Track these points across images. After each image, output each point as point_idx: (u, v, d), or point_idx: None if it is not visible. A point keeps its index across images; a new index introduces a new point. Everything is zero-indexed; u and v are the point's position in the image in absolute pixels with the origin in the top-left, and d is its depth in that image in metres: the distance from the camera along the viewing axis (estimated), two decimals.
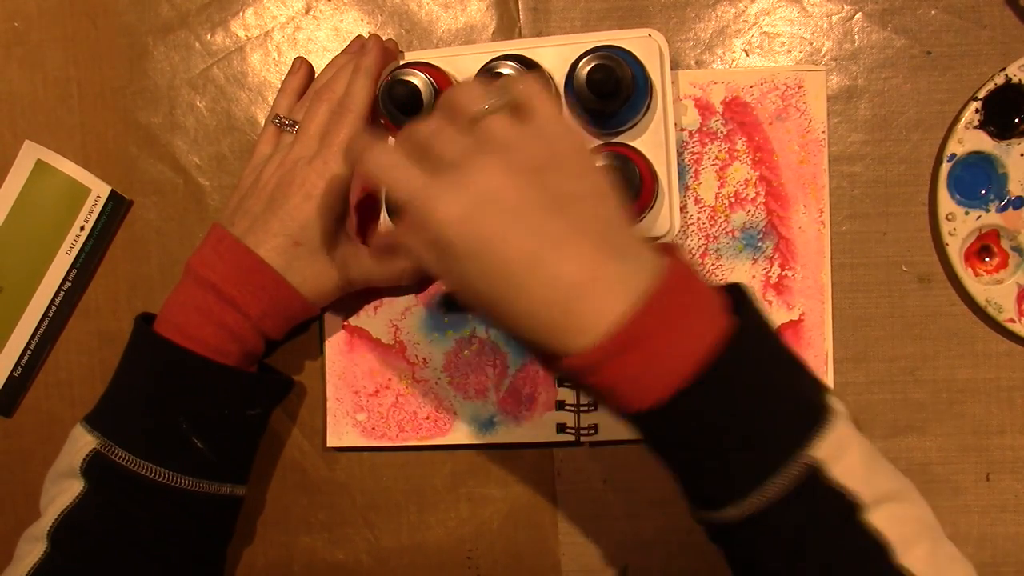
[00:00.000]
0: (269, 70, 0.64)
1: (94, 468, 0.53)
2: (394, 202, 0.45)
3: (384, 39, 0.60)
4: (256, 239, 0.55)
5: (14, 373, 0.64)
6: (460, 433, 0.62)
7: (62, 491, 0.53)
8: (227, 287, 0.54)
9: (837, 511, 0.41)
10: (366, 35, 0.63)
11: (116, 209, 0.64)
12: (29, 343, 0.64)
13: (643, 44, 0.58)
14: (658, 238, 0.59)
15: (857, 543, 0.41)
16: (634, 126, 0.58)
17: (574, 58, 0.56)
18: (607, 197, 0.43)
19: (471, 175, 0.40)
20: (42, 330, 0.64)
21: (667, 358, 0.40)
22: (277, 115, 0.59)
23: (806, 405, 0.42)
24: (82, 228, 0.63)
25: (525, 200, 0.40)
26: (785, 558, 0.42)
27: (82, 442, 0.53)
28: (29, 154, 0.63)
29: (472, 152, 0.41)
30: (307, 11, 0.64)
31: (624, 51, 0.56)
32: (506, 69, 0.54)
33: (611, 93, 0.54)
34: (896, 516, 0.42)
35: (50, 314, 0.64)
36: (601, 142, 0.58)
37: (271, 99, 0.63)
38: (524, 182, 0.41)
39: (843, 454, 0.42)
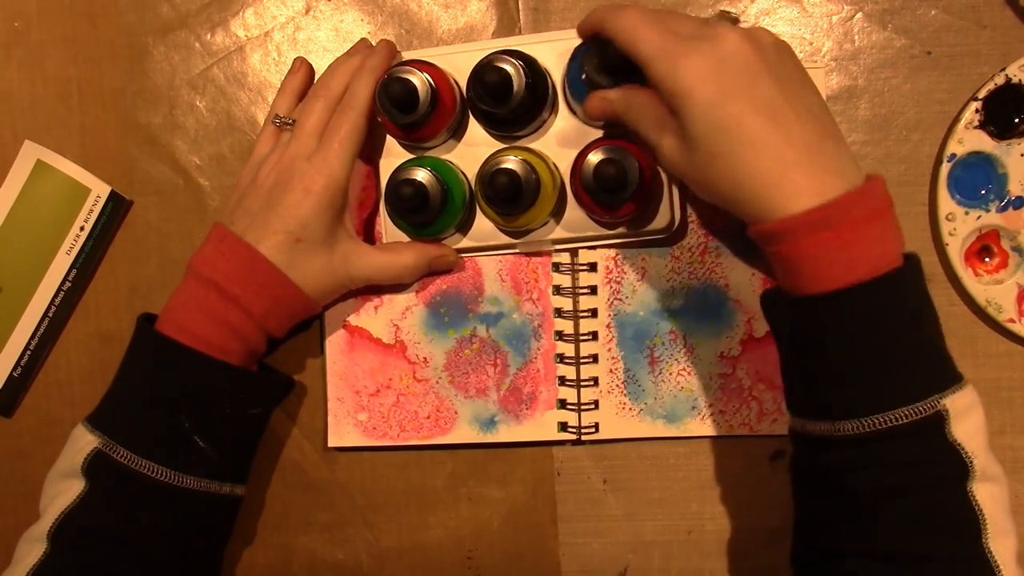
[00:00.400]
0: (269, 70, 0.64)
1: (95, 467, 0.53)
2: (640, 57, 0.47)
3: (384, 42, 0.60)
4: (256, 236, 0.55)
5: (14, 373, 0.64)
6: (461, 432, 0.62)
7: (62, 491, 0.53)
8: (229, 285, 0.54)
9: (949, 466, 0.44)
10: (367, 36, 0.63)
11: (116, 209, 0.64)
12: (29, 343, 0.64)
13: None
14: (659, 232, 0.59)
15: (957, 506, 0.43)
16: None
17: (571, 53, 0.56)
18: (823, 101, 0.48)
19: (717, 39, 0.45)
20: (42, 330, 0.64)
21: (857, 250, 0.44)
22: (277, 115, 0.59)
23: (946, 360, 0.46)
24: (82, 228, 0.63)
25: (765, 68, 0.45)
26: (881, 490, 0.44)
27: (83, 442, 0.53)
28: (29, 154, 0.63)
29: (712, 25, 0.47)
30: (307, 11, 0.64)
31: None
32: (505, 65, 0.54)
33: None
34: (996, 498, 0.44)
35: (50, 314, 0.64)
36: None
37: (271, 99, 0.63)
38: (763, 55, 0.45)
39: (967, 417, 0.44)
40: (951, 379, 0.45)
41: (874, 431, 0.43)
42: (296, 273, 0.55)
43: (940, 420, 0.44)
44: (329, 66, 0.60)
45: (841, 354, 0.45)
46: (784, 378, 0.52)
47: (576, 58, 0.56)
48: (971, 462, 0.44)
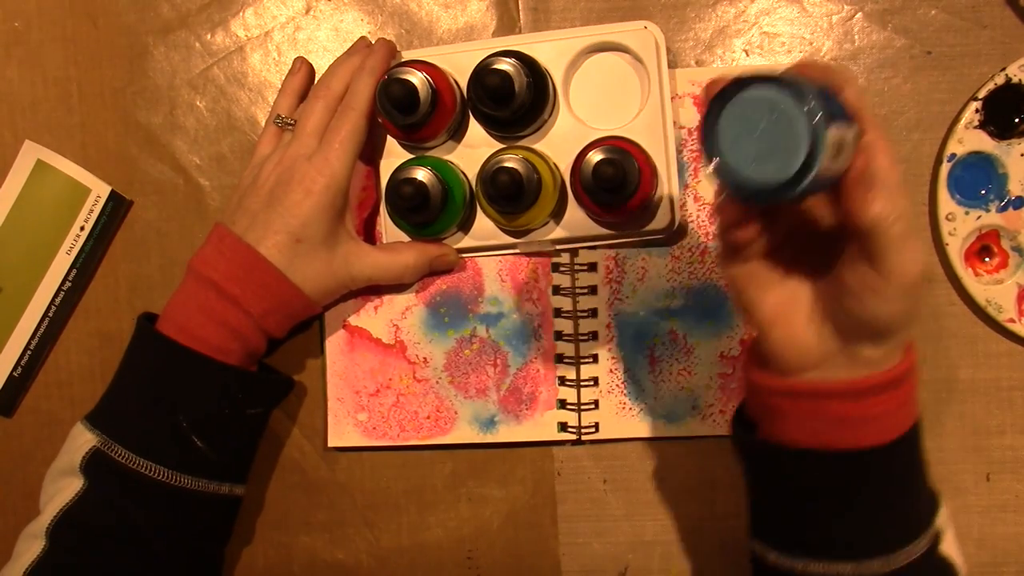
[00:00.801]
0: (269, 70, 0.64)
1: (94, 466, 0.53)
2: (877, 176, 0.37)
3: (383, 41, 0.60)
4: (256, 236, 0.55)
5: (14, 373, 0.64)
6: (461, 432, 0.62)
7: (61, 488, 0.53)
8: (229, 285, 0.54)
9: None
10: (367, 36, 0.63)
11: (116, 209, 0.64)
12: (29, 343, 0.64)
13: (640, 37, 0.58)
14: (659, 232, 0.59)
15: None
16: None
17: (571, 53, 0.56)
18: None
19: None
20: (42, 330, 0.64)
21: (912, 402, 0.44)
22: (278, 115, 0.59)
23: (932, 486, 0.48)
24: (82, 228, 0.63)
25: None
26: None
27: (82, 440, 0.53)
28: (29, 154, 0.63)
29: None
30: (307, 11, 0.64)
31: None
32: (504, 64, 0.54)
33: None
34: None
35: (50, 314, 0.64)
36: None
37: (271, 99, 0.63)
38: None
39: (948, 529, 0.48)
40: (937, 498, 0.48)
41: (900, 567, 0.45)
42: (296, 273, 0.55)
43: (937, 538, 0.47)
44: (329, 66, 0.60)
45: (877, 498, 0.45)
46: (767, 516, 0.49)
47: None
48: (958, 569, 0.47)
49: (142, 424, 0.54)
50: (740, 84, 0.35)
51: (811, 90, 0.34)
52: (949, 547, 0.47)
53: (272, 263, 0.54)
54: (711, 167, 0.36)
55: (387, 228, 0.61)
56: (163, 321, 0.56)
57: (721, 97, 0.35)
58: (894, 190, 0.38)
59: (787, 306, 0.44)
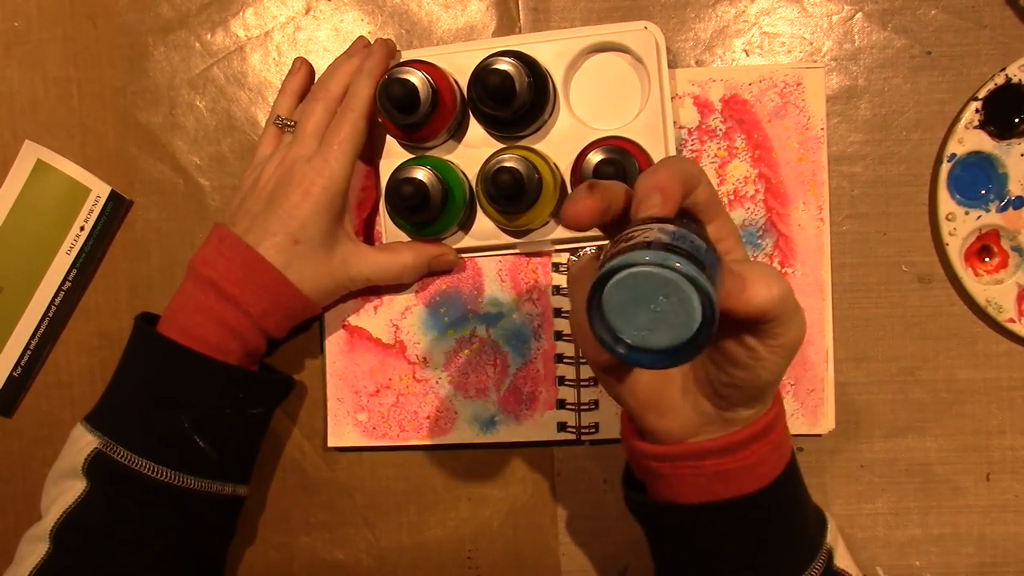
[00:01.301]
0: (269, 70, 0.64)
1: (96, 467, 0.53)
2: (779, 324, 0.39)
3: (382, 41, 0.60)
4: (256, 237, 0.55)
5: (14, 373, 0.64)
6: (461, 432, 0.62)
7: (64, 491, 0.53)
8: (228, 285, 0.54)
9: None
10: (367, 36, 0.63)
11: (116, 209, 0.64)
12: (29, 343, 0.64)
13: (640, 37, 0.58)
14: None
15: None
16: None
17: (571, 53, 0.56)
18: None
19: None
20: (42, 330, 0.64)
21: (785, 445, 0.46)
22: (278, 116, 0.59)
23: (816, 508, 0.50)
24: (82, 228, 0.63)
25: None
26: None
27: (83, 442, 0.53)
28: (29, 154, 0.63)
29: None
30: (307, 11, 0.64)
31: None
32: (505, 64, 0.54)
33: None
34: None
35: (50, 314, 0.64)
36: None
37: (271, 99, 0.63)
38: None
39: (838, 543, 0.50)
40: (823, 517, 0.50)
41: None
42: (295, 274, 0.55)
43: (830, 555, 0.48)
44: (328, 67, 0.60)
45: (769, 535, 0.46)
46: (670, 569, 0.50)
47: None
48: None
49: (143, 425, 0.54)
50: (619, 262, 0.33)
51: (684, 245, 0.33)
52: (842, 560, 0.49)
53: (271, 264, 0.54)
54: (601, 341, 0.35)
55: (387, 228, 0.61)
56: (163, 322, 0.56)
57: (605, 277, 0.33)
58: (761, 270, 0.37)
59: (658, 389, 0.43)
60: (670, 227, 0.35)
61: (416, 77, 0.55)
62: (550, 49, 0.58)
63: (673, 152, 0.58)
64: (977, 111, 0.59)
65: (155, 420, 0.54)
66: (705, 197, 0.40)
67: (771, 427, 0.43)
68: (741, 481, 0.44)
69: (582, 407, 0.61)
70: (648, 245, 0.33)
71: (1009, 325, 0.59)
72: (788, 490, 0.46)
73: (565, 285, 0.61)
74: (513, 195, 0.55)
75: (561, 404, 0.61)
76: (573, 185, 0.57)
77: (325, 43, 0.64)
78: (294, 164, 0.56)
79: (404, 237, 0.61)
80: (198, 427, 0.54)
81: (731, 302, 0.37)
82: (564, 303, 0.61)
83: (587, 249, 0.61)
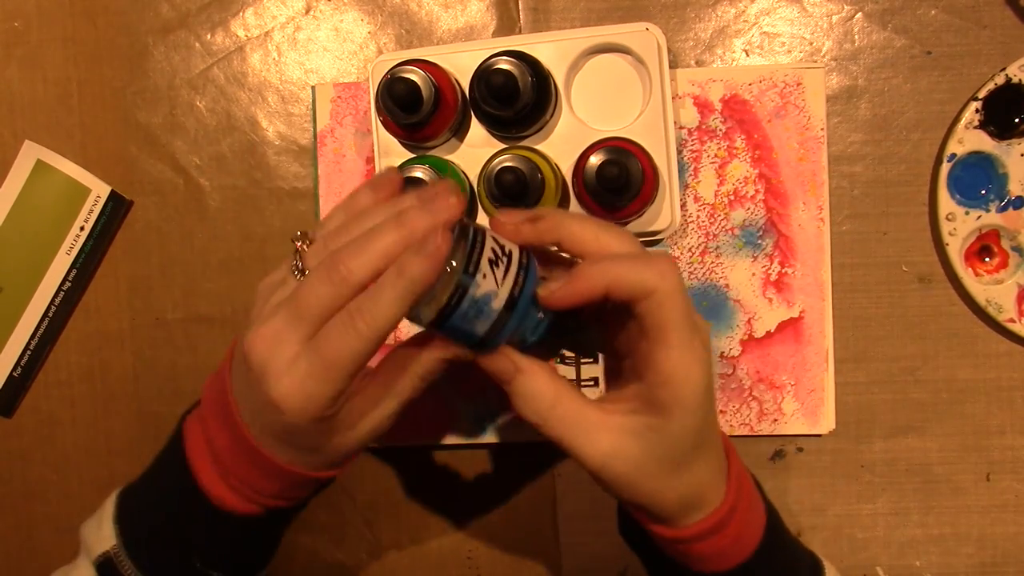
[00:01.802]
0: (269, 70, 0.64)
1: (105, 570, 0.49)
2: (664, 330, 0.40)
3: (453, 196, 0.42)
4: (248, 413, 0.45)
5: (14, 373, 0.64)
6: (461, 432, 0.62)
7: (78, 569, 0.49)
8: (230, 462, 0.46)
9: None
10: (367, 37, 0.63)
11: (116, 209, 0.64)
12: (29, 343, 0.64)
13: (641, 38, 0.58)
14: (659, 232, 0.59)
15: None
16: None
17: (572, 54, 0.56)
18: None
19: (702, 330, 0.42)
20: (42, 330, 0.64)
21: (756, 516, 0.46)
22: (302, 233, 0.46)
23: (810, 557, 0.50)
24: (82, 228, 0.63)
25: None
26: None
27: (105, 530, 0.49)
28: (29, 154, 0.63)
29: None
30: (307, 11, 0.64)
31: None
32: (507, 64, 0.54)
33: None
34: None
35: (50, 314, 0.64)
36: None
37: (271, 99, 0.63)
38: None
39: None
40: (817, 561, 0.49)
41: None
42: (290, 456, 0.45)
43: None
44: (365, 208, 0.44)
45: None
46: None
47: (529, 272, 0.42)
48: None
49: (156, 546, 0.49)
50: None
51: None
52: None
53: (266, 452, 0.45)
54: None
55: None
56: (191, 442, 0.48)
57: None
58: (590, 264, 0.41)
59: (633, 477, 0.44)
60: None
61: (418, 76, 0.55)
62: (551, 49, 0.58)
63: (674, 154, 0.58)
64: (977, 111, 0.59)
65: (168, 547, 0.49)
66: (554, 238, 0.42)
67: (726, 520, 0.44)
68: (724, 559, 0.45)
69: None
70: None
71: (1009, 325, 0.59)
72: (774, 551, 0.46)
73: None
74: (516, 195, 0.55)
75: None
76: (575, 186, 0.57)
77: (325, 43, 0.64)
78: (273, 350, 0.42)
79: None
80: (210, 563, 0.49)
81: (637, 349, 0.41)
82: None
83: None
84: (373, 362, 0.43)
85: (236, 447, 0.45)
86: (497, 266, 0.40)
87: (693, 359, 0.40)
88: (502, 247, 0.41)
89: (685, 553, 0.45)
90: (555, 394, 0.42)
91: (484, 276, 0.39)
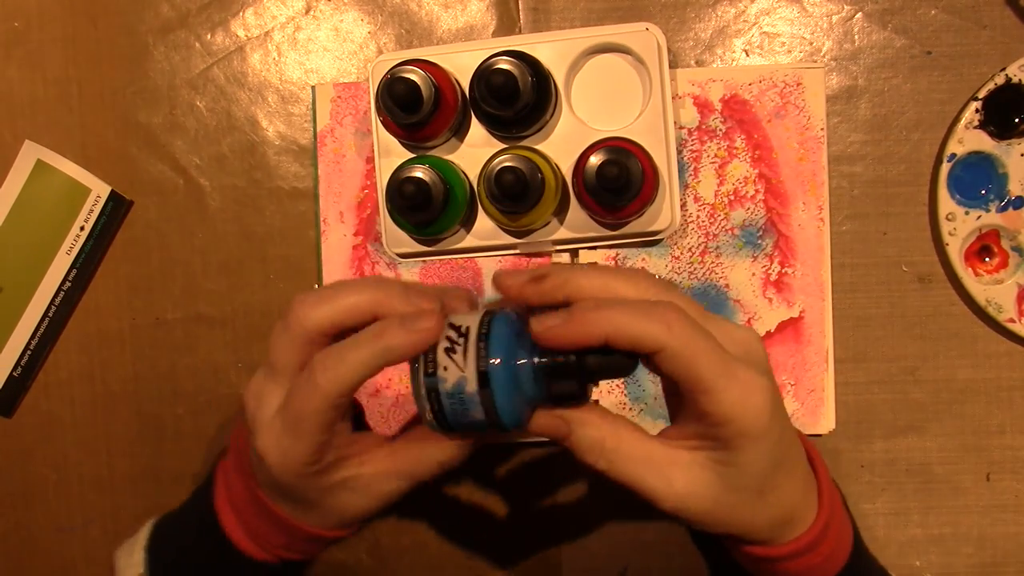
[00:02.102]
0: (269, 70, 0.64)
1: None
2: (695, 379, 0.38)
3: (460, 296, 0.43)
4: (261, 477, 0.45)
5: (14, 373, 0.64)
6: None
7: None
8: (244, 510, 0.47)
9: None
10: (367, 37, 0.63)
11: (116, 209, 0.64)
12: (29, 343, 0.64)
13: (641, 38, 0.58)
14: (659, 232, 0.59)
15: None
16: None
17: (572, 54, 0.56)
18: None
19: (759, 361, 0.40)
20: (42, 330, 0.64)
21: (846, 536, 0.46)
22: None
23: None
24: (82, 228, 0.63)
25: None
26: None
27: (136, 556, 0.49)
28: (29, 154, 0.63)
29: (740, 329, 0.41)
30: (307, 11, 0.64)
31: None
32: (508, 64, 0.54)
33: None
34: None
35: (50, 314, 0.64)
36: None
37: (271, 99, 0.63)
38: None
39: None
40: None
41: None
42: (291, 510, 0.45)
43: None
44: (346, 284, 0.43)
45: None
46: None
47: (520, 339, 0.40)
48: None
49: None
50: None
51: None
52: None
53: (271, 504, 0.45)
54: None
55: (387, 228, 0.61)
56: (219, 479, 0.48)
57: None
58: (728, 367, 0.38)
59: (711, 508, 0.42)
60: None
61: (418, 76, 0.55)
62: (551, 49, 0.58)
63: (674, 154, 0.58)
64: (977, 111, 0.59)
65: (190, 575, 0.49)
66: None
67: (817, 541, 0.43)
68: (844, 548, 0.45)
69: None
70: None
71: (1009, 325, 0.59)
72: (858, 570, 0.46)
73: None
74: (516, 195, 0.55)
75: None
76: (575, 186, 0.57)
77: (325, 43, 0.64)
78: (257, 408, 0.43)
79: (405, 237, 0.61)
80: None
81: (692, 402, 0.39)
82: None
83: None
84: (383, 425, 0.42)
85: (248, 496, 0.46)
86: (455, 352, 0.38)
87: (743, 391, 0.38)
88: (458, 328, 0.39)
89: (772, 571, 0.44)
90: (615, 436, 0.40)
91: (445, 368, 0.38)
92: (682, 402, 0.40)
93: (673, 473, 0.40)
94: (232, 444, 0.48)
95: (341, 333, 0.42)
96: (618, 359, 0.37)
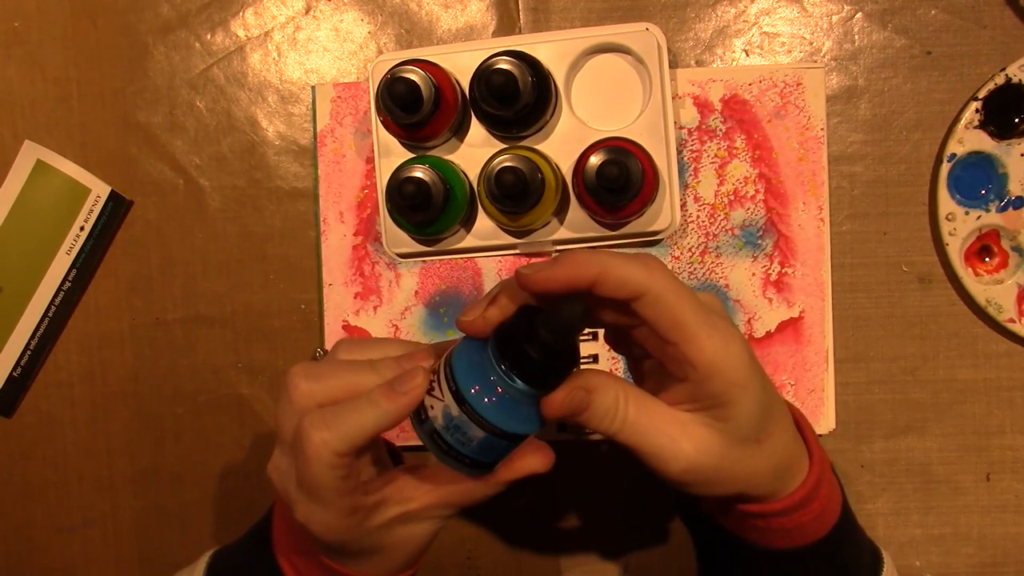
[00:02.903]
0: (269, 70, 0.64)
1: None
2: (680, 330, 0.38)
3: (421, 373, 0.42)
4: (312, 540, 0.45)
5: (14, 373, 0.64)
6: None
7: None
8: (297, 553, 0.47)
9: None
10: (367, 37, 0.63)
11: (116, 209, 0.64)
12: (29, 343, 0.64)
13: (641, 38, 0.58)
14: (659, 232, 0.59)
15: None
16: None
17: (572, 54, 0.56)
18: None
19: (728, 316, 0.42)
20: (42, 330, 0.64)
21: (835, 493, 0.46)
22: (321, 349, 0.49)
23: (871, 544, 0.50)
24: (82, 228, 0.63)
25: None
26: None
27: None
28: (29, 154, 0.63)
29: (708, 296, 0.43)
30: (307, 11, 0.64)
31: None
32: (508, 64, 0.54)
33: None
34: None
35: (50, 314, 0.64)
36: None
37: (271, 99, 0.63)
38: None
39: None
40: (878, 552, 0.50)
41: None
42: (345, 562, 0.46)
43: None
44: (343, 349, 0.45)
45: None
46: None
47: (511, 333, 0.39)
48: None
49: None
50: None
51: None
52: None
53: (343, 568, 0.46)
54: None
55: (387, 228, 0.61)
56: (277, 516, 0.49)
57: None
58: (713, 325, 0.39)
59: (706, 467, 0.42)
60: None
61: (418, 76, 0.55)
62: (551, 49, 0.58)
63: (674, 154, 0.58)
64: (977, 111, 0.59)
65: None
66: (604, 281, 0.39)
67: (809, 498, 0.43)
68: (834, 507, 0.45)
69: None
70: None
71: (1009, 325, 0.59)
72: (842, 536, 0.46)
73: None
74: (516, 195, 0.55)
75: None
76: (575, 186, 0.57)
77: (325, 43, 0.64)
78: (275, 466, 0.45)
79: (405, 237, 0.61)
80: None
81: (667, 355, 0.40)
82: None
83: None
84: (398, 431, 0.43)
85: (312, 561, 0.46)
86: (433, 391, 0.40)
87: (723, 339, 0.38)
88: (434, 371, 0.41)
89: (765, 528, 0.44)
90: (626, 401, 0.40)
91: (432, 407, 0.40)
92: (661, 371, 0.41)
93: (678, 435, 0.40)
94: (278, 509, 0.49)
95: None
96: (567, 308, 0.36)
